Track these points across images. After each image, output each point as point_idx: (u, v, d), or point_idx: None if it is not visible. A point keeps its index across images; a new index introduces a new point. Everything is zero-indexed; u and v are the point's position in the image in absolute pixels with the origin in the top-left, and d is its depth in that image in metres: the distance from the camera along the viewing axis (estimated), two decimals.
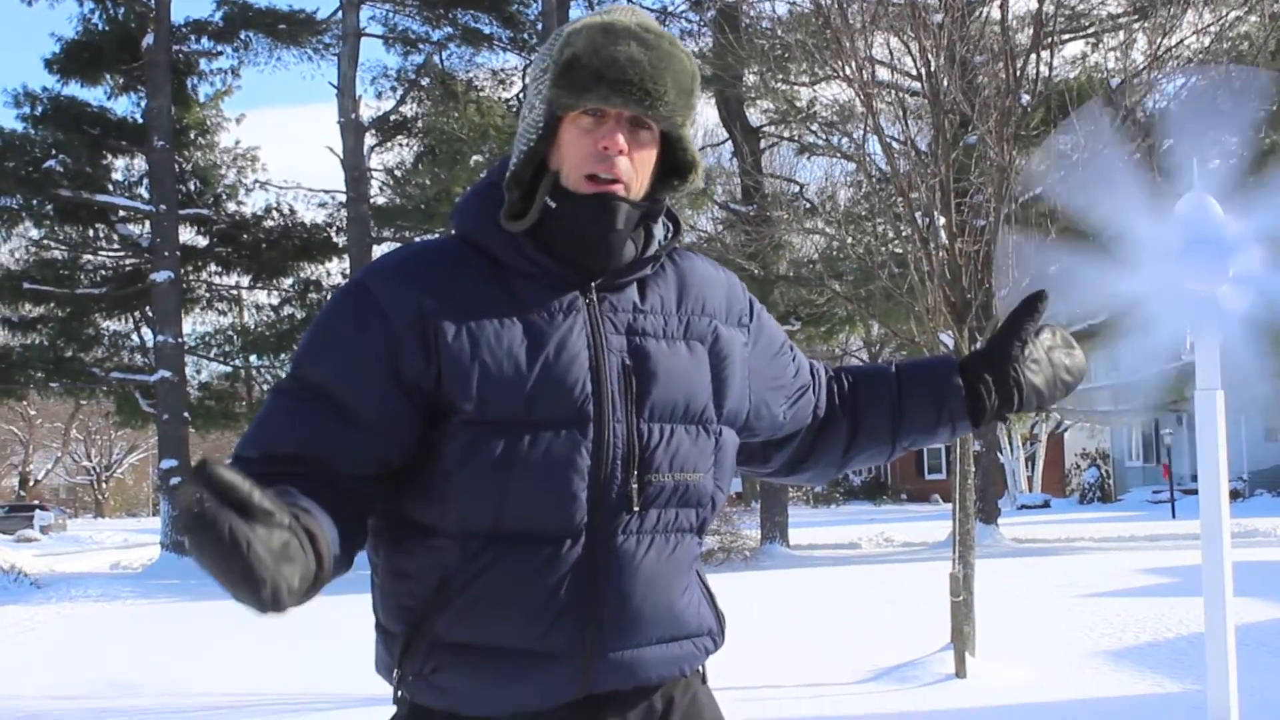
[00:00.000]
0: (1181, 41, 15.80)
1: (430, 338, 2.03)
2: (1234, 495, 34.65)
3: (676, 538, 2.13)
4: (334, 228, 31.05)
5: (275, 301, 32.42)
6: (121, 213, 29.83)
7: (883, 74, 13.32)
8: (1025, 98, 11.91)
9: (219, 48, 31.08)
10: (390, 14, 30.56)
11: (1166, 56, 13.54)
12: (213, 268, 32.18)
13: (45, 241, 30.56)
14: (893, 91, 13.80)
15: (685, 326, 2.18)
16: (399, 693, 2.13)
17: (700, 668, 2.24)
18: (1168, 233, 3.41)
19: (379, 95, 30.88)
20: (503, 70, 31.01)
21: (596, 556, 2.04)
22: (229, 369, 33.31)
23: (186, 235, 30.40)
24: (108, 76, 29.78)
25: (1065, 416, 36.76)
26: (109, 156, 30.42)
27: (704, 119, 27.23)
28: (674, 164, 2.19)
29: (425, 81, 29.80)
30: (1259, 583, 13.53)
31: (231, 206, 31.66)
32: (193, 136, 31.00)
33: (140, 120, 29.41)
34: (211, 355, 32.68)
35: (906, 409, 2.44)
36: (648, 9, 27.59)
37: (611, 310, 2.12)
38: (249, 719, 9.19)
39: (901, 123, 12.39)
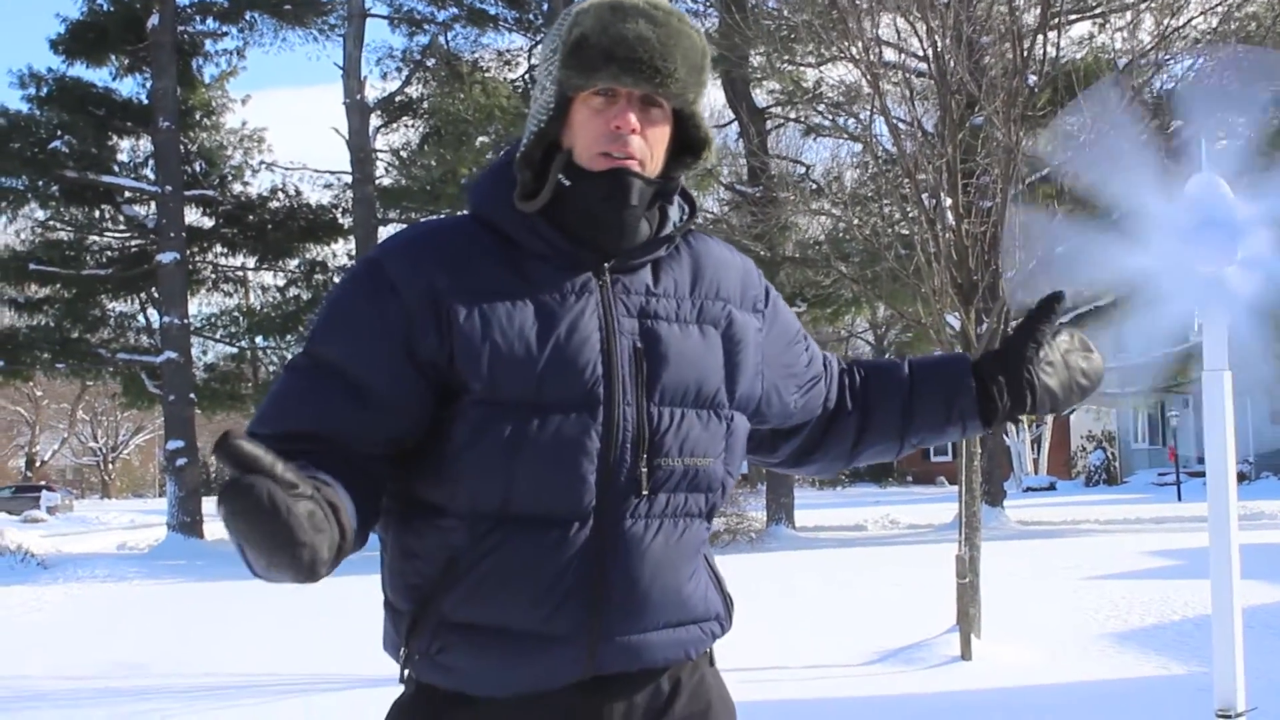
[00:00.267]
0: (1189, 22, 15.75)
1: (443, 316, 2.02)
2: (1240, 478, 34.67)
3: (685, 522, 2.12)
4: (339, 209, 31.06)
5: (281, 283, 32.46)
6: (127, 194, 29.84)
7: (889, 55, 13.31)
8: (1032, 78, 11.86)
9: (224, 28, 31.10)
10: None
11: (1174, 37, 13.50)
12: (218, 249, 32.20)
13: (51, 223, 30.55)
14: (899, 72, 13.77)
15: (698, 310, 2.17)
16: (405, 671, 2.13)
17: (708, 650, 2.24)
18: (1177, 212, 3.40)
19: (384, 76, 30.93)
20: (508, 51, 31.00)
21: (604, 540, 2.04)
22: (235, 350, 33.34)
23: (192, 216, 30.41)
24: (113, 57, 29.76)
25: None
26: (114, 137, 30.40)
27: (710, 100, 27.17)
28: (686, 141, 2.18)
29: (430, 62, 29.74)
30: (1265, 565, 13.52)
31: (237, 187, 31.68)
32: (198, 117, 30.97)
33: (145, 101, 29.39)
34: (217, 336, 32.71)
35: (917, 406, 2.42)
36: None
37: (624, 292, 2.11)
38: (257, 699, 9.20)
39: (908, 103, 12.37)
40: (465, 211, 2.22)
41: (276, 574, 1.74)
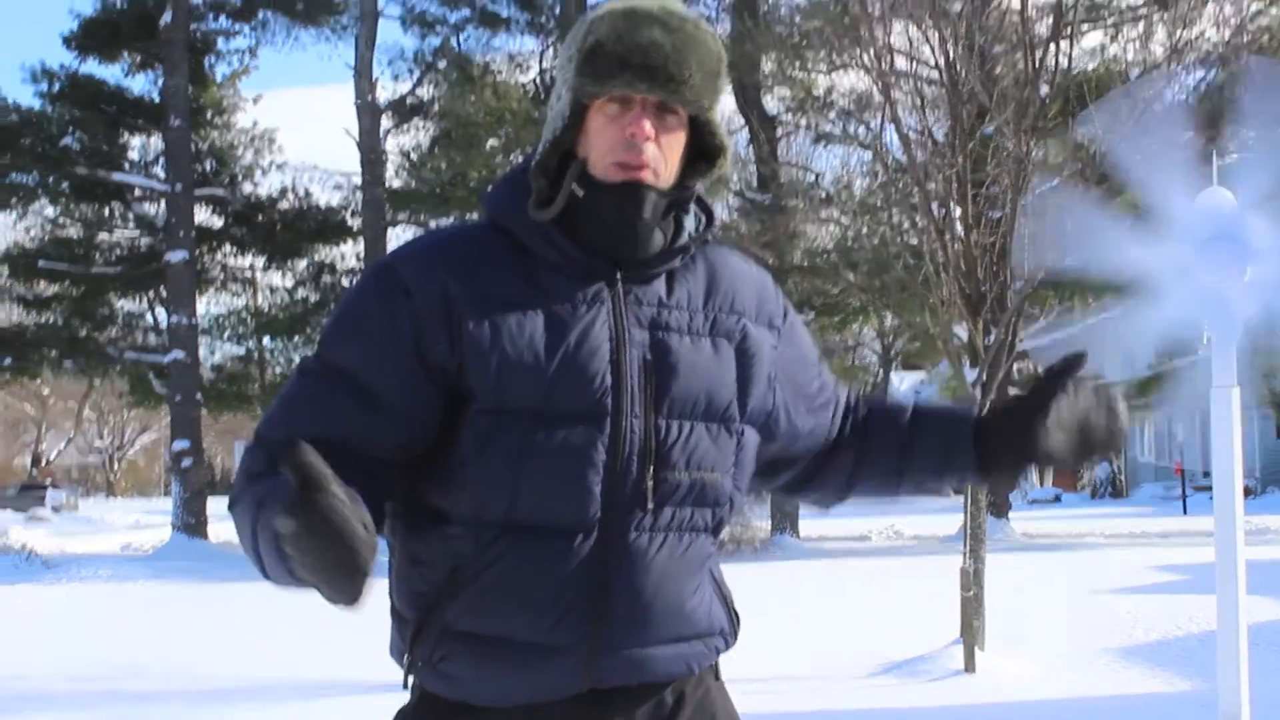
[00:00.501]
0: (1201, 34, 15.74)
1: (454, 322, 2.02)
2: (1247, 492, 34.54)
3: (690, 536, 2.10)
4: (349, 210, 31.05)
5: (289, 284, 32.44)
6: (137, 192, 29.89)
7: (901, 63, 13.27)
8: (1044, 89, 11.85)
9: (237, 27, 31.14)
10: None
11: (1186, 49, 13.49)
12: (227, 248, 32.21)
13: (61, 219, 30.60)
14: (910, 81, 13.74)
15: (711, 323, 2.15)
16: (409, 679, 2.13)
17: (714, 664, 2.22)
18: (1191, 221, 3.39)
19: (396, 77, 30.85)
20: (520, 54, 30.96)
21: (609, 552, 2.03)
22: (242, 351, 33.36)
23: (202, 215, 30.40)
24: (125, 54, 29.80)
25: None
26: (125, 135, 30.44)
27: (721, 106, 27.18)
28: (702, 149, 2.16)
29: (442, 64, 29.75)
30: (1271, 581, 13.48)
31: (247, 187, 31.67)
32: (209, 116, 31.00)
33: (157, 99, 29.42)
34: (225, 337, 32.76)
35: (915, 449, 2.37)
36: None
37: (636, 303, 2.10)
38: (260, 702, 9.19)
39: (919, 112, 12.35)
40: (480, 217, 2.21)
41: (330, 589, 1.72)
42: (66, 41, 29.46)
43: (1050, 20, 13.38)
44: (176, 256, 27.56)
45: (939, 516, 31.40)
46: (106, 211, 30.60)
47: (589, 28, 2.09)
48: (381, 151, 28.66)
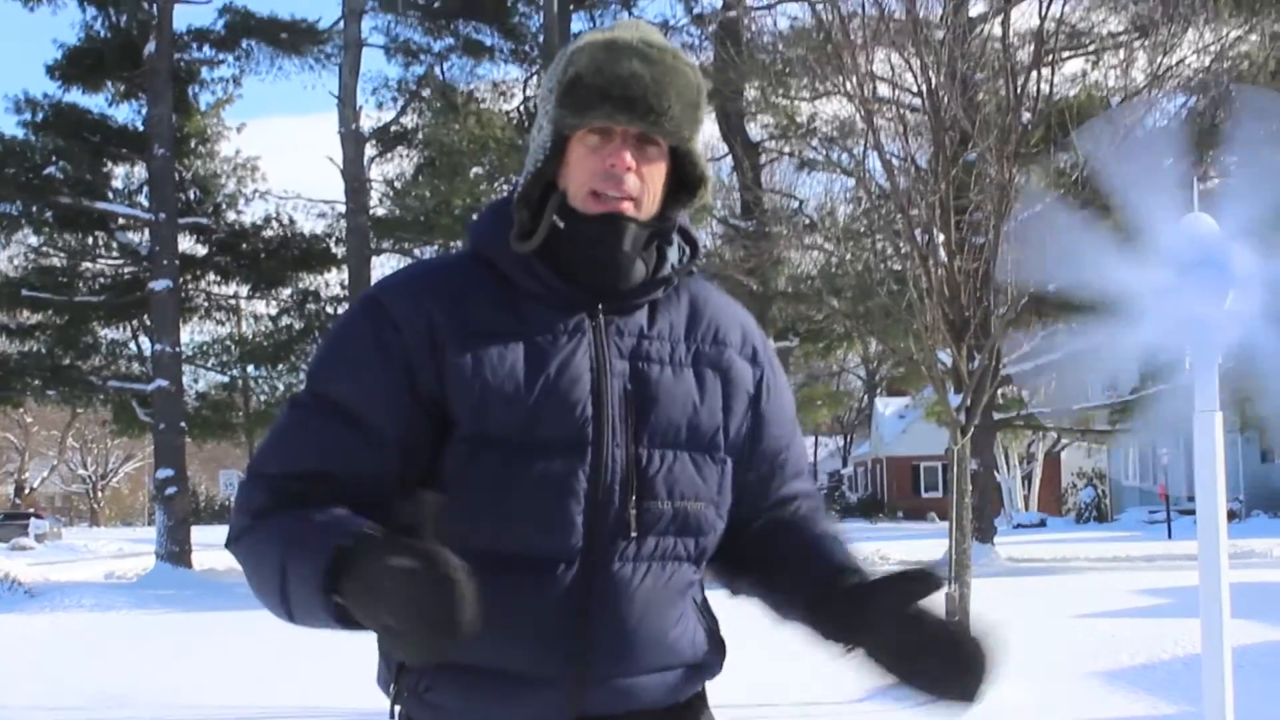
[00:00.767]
0: (1182, 60, 15.83)
1: (439, 352, 2.03)
2: (1231, 516, 34.62)
3: (674, 565, 2.11)
4: (333, 238, 31.02)
5: (273, 312, 32.43)
6: (121, 220, 29.82)
7: (883, 90, 13.33)
8: (1026, 115, 11.92)
9: (221, 56, 31.09)
10: (392, 24, 30.61)
11: (1167, 75, 13.57)
12: (211, 277, 32.16)
13: (44, 248, 30.51)
14: (893, 107, 13.82)
15: (694, 354, 2.16)
16: (395, 708, 2.12)
17: (702, 692, 2.22)
18: (1175, 247, 3.41)
19: (380, 106, 30.91)
20: (504, 82, 31.07)
21: (592, 582, 2.03)
22: (226, 379, 33.34)
23: (185, 244, 30.37)
24: (109, 83, 29.74)
25: (1063, 435, 36.78)
26: (109, 164, 30.38)
27: (704, 133, 27.25)
28: (684, 179, 2.18)
29: (426, 92, 29.80)
30: (1255, 604, 13.49)
31: (231, 216, 31.64)
32: (193, 145, 30.96)
33: (141, 128, 29.39)
34: (209, 365, 32.69)
35: (771, 564, 2.23)
36: (649, 23, 27.59)
37: (618, 334, 2.11)
38: None
39: (902, 139, 12.41)
40: (464, 248, 2.23)
41: (414, 639, 1.76)
42: (50, 71, 29.42)
43: (1032, 47, 13.47)
44: (160, 285, 27.53)
45: (925, 541, 31.41)
46: (90, 240, 30.53)
47: (569, 60, 2.10)
48: (365, 180, 28.68)
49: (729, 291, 2.40)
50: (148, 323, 29.13)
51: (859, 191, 20.15)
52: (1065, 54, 22.57)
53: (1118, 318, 3.64)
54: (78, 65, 29.30)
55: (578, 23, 28.32)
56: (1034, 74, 12.31)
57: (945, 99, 11.35)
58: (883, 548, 29.17)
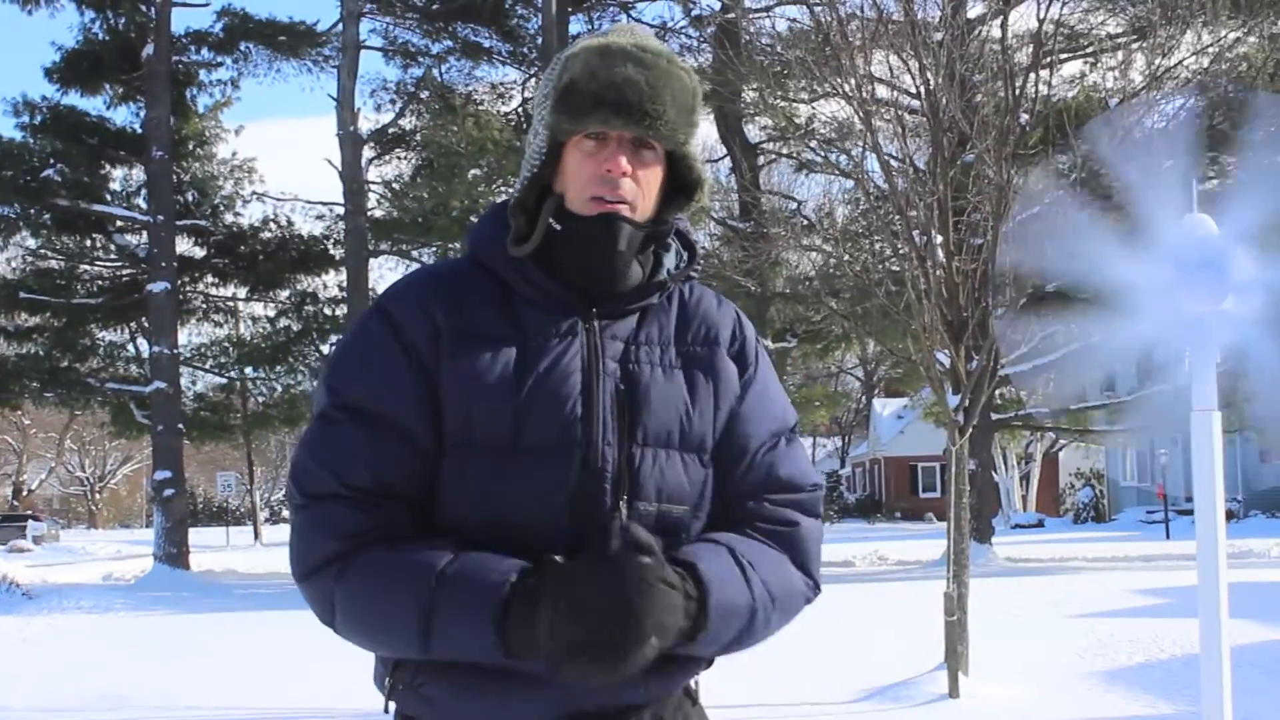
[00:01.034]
0: (1180, 62, 15.85)
1: (440, 353, 2.06)
2: (1229, 516, 34.63)
3: None
4: (331, 240, 31.04)
5: (271, 313, 32.45)
6: (119, 223, 29.85)
7: (882, 91, 13.36)
8: (1024, 116, 11.92)
9: (219, 59, 31.10)
10: (390, 27, 30.65)
11: (1165, 77, 13.58)
12: (209, 279, 32.19)
13: (42, 251, 30.54)
14: (892, 109, 13.83)
15: (684, 357, 2.17)
16: (389, 703, 2.13)
17: (693, 683, 2.22)
18: (1175, 246, 3.41)
19: (378, 108, 30.95)
20: (502, 84, 31.11)
21: None
22: (224, 380, 33.32)
23: (183, 246, 30.41)
24: (107, 86, 29.76)
25: (1061, 435, 36.78)
26: (107, 166, 30.40)
27: (702, 134, 27.29)
28: (680, 183, 2.18)
29: (424, 95, 29.82)
30: (1253, 604, 13.52)
31: (229, 218, 31.69)
32: (191, 147, 30.99)
33: (139, 130, 29.41)
34: (207, 367, 32.69)
35: None
36: (647, 24, 27.67)
37: (611, 337, 2.12)
38: None
39: (900, 140, 12.41)
40: (463, 252, 2.24)
41: (585, 658, 1.87)
42: (48, 73, 29.42)
43: (1030, 49, 13.48)
44: (158, 287, 27.54)
45: (923, 542, 31.43)
46: (88, 242, 30.56)
47: (564, 65, 2.12)
48: (364, 181, 28.66)
49: (727, 293, 2.41)
50: (146, 325, 29.16)
51: (857, 193, 20.20)
52: (1064, 56, 22.57)
53: (1116, 312, 3.65)
54: (76, 68, 29.30)
55: (576, 25, 28.35)
56: (1032, 76, 12.32)
57: (943, 100, 11.35)
58: (880, 548, 29.23)
